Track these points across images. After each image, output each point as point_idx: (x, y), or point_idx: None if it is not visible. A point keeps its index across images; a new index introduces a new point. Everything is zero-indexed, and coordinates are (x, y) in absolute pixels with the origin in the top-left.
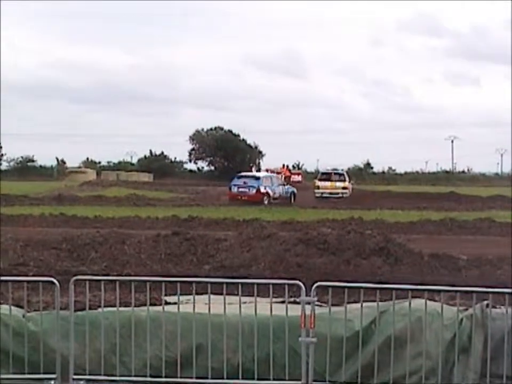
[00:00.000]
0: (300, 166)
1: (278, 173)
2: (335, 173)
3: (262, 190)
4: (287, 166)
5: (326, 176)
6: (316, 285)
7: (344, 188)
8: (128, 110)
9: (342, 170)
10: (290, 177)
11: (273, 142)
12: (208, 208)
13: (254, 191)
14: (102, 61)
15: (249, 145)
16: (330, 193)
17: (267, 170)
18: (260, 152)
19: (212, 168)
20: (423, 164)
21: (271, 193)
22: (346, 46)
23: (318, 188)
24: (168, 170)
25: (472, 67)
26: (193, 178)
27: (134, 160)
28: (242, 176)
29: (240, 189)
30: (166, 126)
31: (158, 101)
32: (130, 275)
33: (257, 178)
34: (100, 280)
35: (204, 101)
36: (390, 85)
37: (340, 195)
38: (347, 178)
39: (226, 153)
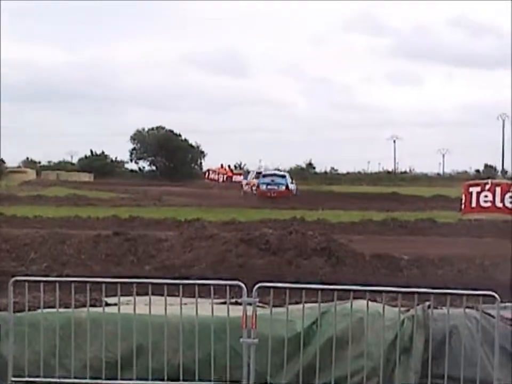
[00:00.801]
0: (242, 166)
1: (219, 172)
2: (277, 174)
3: (290, 187)
4: (229, 166)
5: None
6: (257, 285)
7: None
8: (68, 108)
9: (283, 171)
10: (232, 177)
11: (215, 141)
12: (149, 208)
13: (284, 187)
14: (40, 58)
15: (191, 145)
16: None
17: (209, 171)
18: (202, 152)
19: (154, 168)
20: (365, 163)
21: (293, 190)
22: (288, 44)
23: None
24: (109, 170)
25: (414, 66)
26: (135, 178)
27: (75, 160)
28: (268, 175)
29: (269, 186)
30: (107, 125)
31: (99, 100)
32: (70, 276)
33: (283, 176)
34: (39, 281)
35: (144, 100)
36: (333, 84)
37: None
38: (289, 180)
39: (168, 153)
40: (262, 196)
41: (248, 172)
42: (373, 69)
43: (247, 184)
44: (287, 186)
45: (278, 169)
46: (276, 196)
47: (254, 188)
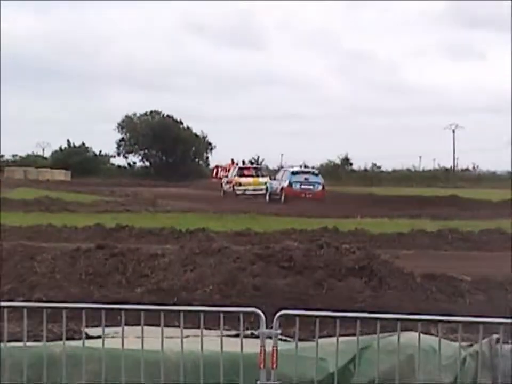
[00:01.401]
0: (260, 161)
1: (230, 170)
2: (254, 168)
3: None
4: (243, 162)
5: (247, 171)
6: (279, 313)
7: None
8: (37, 88)
9: (312, 168)
10: None
11: (225, 131)
12: (141, 215)
13: (320, 187)
14: None
15: (195, 135)
16: (254, 190)
17: (217, 168)
18: (209, 143)
19: (147, 164)
20: (415, 159)
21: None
22: (316, 8)
23: (240, 184)
24: (91, 166)
25: (477, 36)
26: (123, 176)
27: (47, 154)
28: (298, 172)
29: (304, 186)
30: (88, 110)
31: (77, 77)
32: (41, 300)
33: (317, 174)
34: (2, 307)
35: (135, 78)
36: (373, 59)
37: (264, 191)
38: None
39: (165, 144)
40: (293, 197)
41: (280, 170)
42: (425, 40)
43: (227, 182)
44: (323, 187)
45: (306, 166)
46: (312, 198)
47: (236, 187)
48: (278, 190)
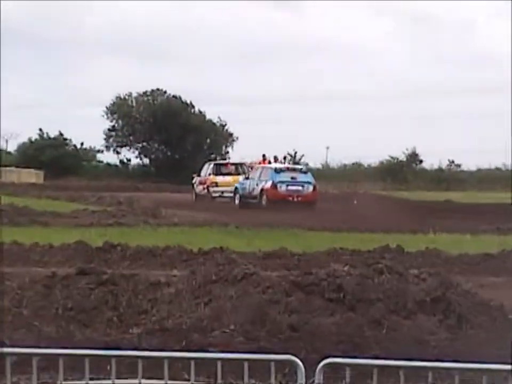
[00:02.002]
0: (298, 157)
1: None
2: (234, 164)
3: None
4: (275, 158)
5: (225, 168)
6: (323, 362)
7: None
8: None
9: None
10: None
11: (251, 117)
12: (138, 229)
13: (311, 188)
14: None
15: (211, 122)
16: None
17: (241, 165)
18: (230, 134)
19: (146, 160)
20: (508, 156)
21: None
22: None
23: (216, 184)
24: (70, 164)
25: None
26: (114, 177)
27: (12, 147)
28: (283, 170)
29: (291, 187)
30: (67, 89)
31: (53, 47)
32: (4, 345)
33: (305, 172)
34: None
35: (129, 45)
36: (449, 22)
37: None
38: (247, 171)
39: (170, 135)
40: (279, 201)
41: (254, 167)
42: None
43: (200, 183)
44: (314, 187)
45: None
46: (301, 201)
47: (211, 189)
48: (255, 192)
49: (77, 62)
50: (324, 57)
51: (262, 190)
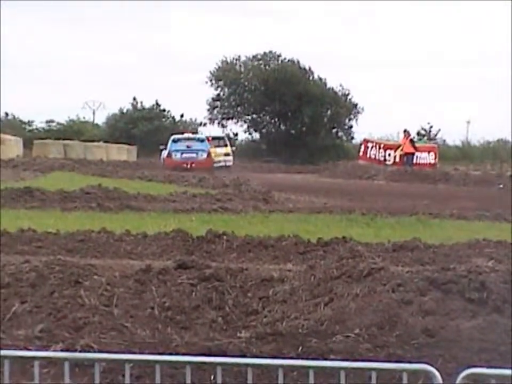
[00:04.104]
0: (434, 133)
1: (389, 147)
2: (213, 138)
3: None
4: (407, 133)
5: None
6: (464, 372)
7: (226, 155)
8: (79, 18)
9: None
10: (413, 155)
11: (378, 85)
12: (247, 216)
13: (205, 155)
14: None
15: (332, 91)
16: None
17: (366, 142)
18: (354, 105)
19: (256, 135)
20: None
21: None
22: None
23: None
24: (168, 138)
25: None
26: None
27: (100, 119)
28: (180, 139)
29: (185, 155)
30: (162, 51)
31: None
32: (92, 350)
33: (202, 140)
34: (31, 358)
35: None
36: None
37: (223, 164)
38: (228, 143)
39: (285, 105)
40: (174, 169)
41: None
42: None
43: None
44: (209, 154)
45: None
46: (195, 167)
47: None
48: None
49: (173, 17)
50: (464, 11)
51: (163, 159)
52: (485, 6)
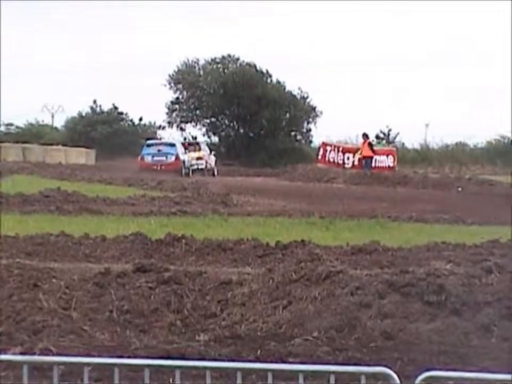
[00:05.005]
0: (393, 136)
1: (348, 150)
2: (189, 144)
3: (181, 157)
4: (365, 137)
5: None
6: (423, 375)
7: (198, 159)
8: (40, 20)
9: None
10: (371, 158)
11: (337, 88)
12: (206, 218)
13: (173, 158)
14: None
15: (290, 94)
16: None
17: (325, 145)
18: (313, 108)
19: (215, 139)
20: None
21: (186, 162)
22: None
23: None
24: (127, 142)
25: None
26: None
27: (59, 123)
28: (153, 144)
29: (156, 158)
30: (122, 54)
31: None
32: (51, 353)
33: (173, 145)
34: None
35: (196, 2)
36: None
37: (196, 166)
38: (203, 147)
39: (244, 109)
40: (146, 170)
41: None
42: None
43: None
44: (177, 157)
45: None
46: (165, 169)
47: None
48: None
49: (132, 21)
50: (424, 13)
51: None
52: (441, 6)
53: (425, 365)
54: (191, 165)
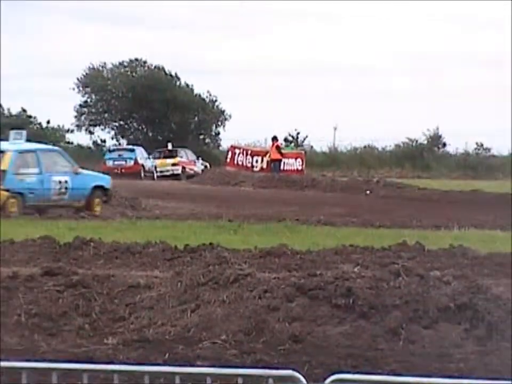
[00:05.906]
0: (301, 139)
1: (257, 154)
2: (169, 151)
3: (140, 161)
4: (275, 140)
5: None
6: (330, 378)
7: (174, 165)
8: None
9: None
10: (280, 161)
11: (246, 92)
12: (114, 222)
13: (132, 162)
14: None
15: (200, 97)
16: (161, 172)
17: (233, 148)
18: (222, 111)
19: (123, 142)
20: None
21: (146, 167)
22: None
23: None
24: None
25: None
26: (86, 161)
27: None
28: (115, 150)
29: (116, 162)
30: (29, 56)
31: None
32: None
33: (132, 150)
34: None
35: (102, 5)
36: None
37: (171, 172)
38: (184, 154)
39: (152, 112)
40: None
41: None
42: None
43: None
44: (136, 161)
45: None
46: (124, 172)
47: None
48: None
49: (41, 24)
50: (332, 22)
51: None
52: (357, 10)
53: (333, 368)
54: (162, 171)
